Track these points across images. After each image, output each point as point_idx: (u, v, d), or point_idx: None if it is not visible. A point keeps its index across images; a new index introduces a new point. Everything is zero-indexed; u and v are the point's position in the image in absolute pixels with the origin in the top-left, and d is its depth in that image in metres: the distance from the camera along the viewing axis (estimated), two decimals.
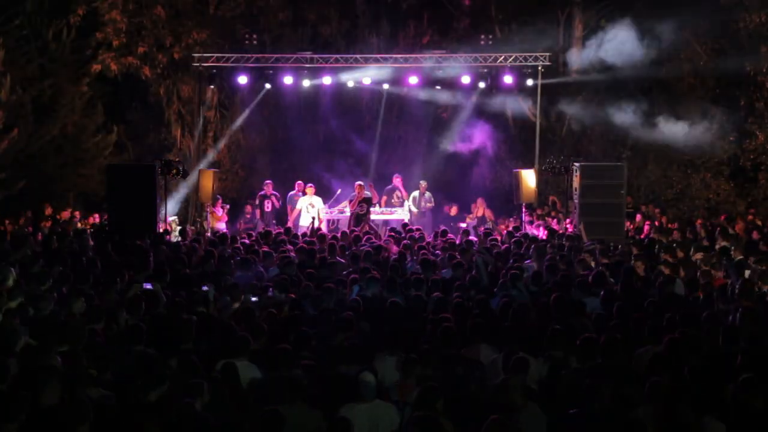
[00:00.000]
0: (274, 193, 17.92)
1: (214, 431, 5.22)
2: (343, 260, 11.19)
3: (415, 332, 7.27)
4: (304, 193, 17.17)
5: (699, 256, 10.99)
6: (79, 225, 15.94)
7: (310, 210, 16.86)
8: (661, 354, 6.43)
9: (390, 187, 18.18)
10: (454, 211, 18.57)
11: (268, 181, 18.23)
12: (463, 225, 16.46)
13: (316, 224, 15.79)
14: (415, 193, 17.96)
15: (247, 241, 12.71)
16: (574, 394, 5.65)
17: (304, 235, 14.06)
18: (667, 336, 6.76)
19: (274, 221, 17.49)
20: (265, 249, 11.52)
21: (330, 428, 5.22)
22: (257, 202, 17.97)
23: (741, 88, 18.82)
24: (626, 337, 7.09)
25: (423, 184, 18.14)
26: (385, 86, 19.28)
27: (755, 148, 18.41)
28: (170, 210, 17.25)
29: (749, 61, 18.19)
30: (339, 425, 5.20)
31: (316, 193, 17.24)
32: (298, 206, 17.05)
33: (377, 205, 17.50)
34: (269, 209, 17.70)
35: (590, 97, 20.13)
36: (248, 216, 18.29)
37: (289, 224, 16.35)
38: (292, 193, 17.82)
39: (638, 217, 16.63)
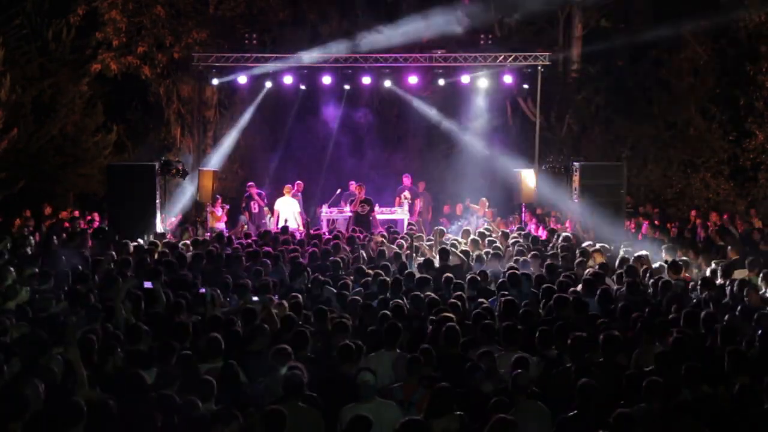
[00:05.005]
0: (259, 192, 17.88)
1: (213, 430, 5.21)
2: (342, 260, 11.18)
3: (415, 332, 7.27)
4: (282, 194, 17.14)
5: (704, 264, 10.98)
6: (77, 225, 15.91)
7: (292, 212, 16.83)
8: (665, 353, 6.44)
9: (401, 186, 18.16)
10: (457, 210, 18.53)
11: (250, 183, 18.17)
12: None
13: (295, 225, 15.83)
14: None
15: (245, 242, 12.70)
16: (568, 392, 5.66)
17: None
18: (670, 335, 6.78)
19: (264, 220, 17.44)
20: (267, 249, 11.52)
21: (349, 426, 5.18)
22: (243, 204, 17.90)
23: (741, 88, 18.81)
24: (625, 337, 7.08)
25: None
26: (386, 84, 19.20)
27: (755, 148, 18.40)
28: (172, 210, 17.23)
29: (749, 61, 18.18)
30: (359, 423, 5.15)
31: (315, 193, 17.20)
32: (277, 207, 16.99)
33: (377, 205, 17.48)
34: (256, 210, 17.60)
35: (590, 96, 20.10)
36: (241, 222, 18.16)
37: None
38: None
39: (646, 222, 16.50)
